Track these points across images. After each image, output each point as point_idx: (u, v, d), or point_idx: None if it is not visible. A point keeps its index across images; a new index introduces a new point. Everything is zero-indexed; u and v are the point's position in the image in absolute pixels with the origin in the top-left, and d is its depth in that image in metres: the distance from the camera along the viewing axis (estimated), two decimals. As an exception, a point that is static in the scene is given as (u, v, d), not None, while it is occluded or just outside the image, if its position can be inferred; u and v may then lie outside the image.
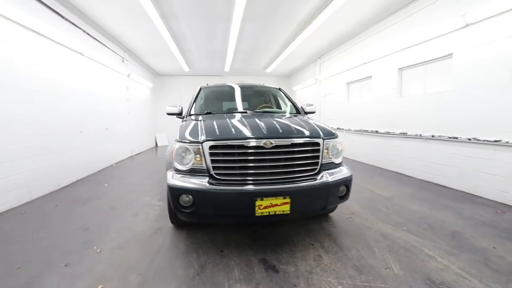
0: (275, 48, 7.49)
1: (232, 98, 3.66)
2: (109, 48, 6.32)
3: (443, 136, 4.16)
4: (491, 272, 1.90)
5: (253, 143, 2.09)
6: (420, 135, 4.63)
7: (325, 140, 2.30)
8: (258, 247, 2.30)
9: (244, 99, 3.72)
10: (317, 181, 2.14)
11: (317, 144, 2.25)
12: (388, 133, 5.49)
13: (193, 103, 3.40)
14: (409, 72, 5.03)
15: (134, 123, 8.21)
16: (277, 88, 4.04)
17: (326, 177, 2.21)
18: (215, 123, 2.44)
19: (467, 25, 3.70)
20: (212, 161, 2.09)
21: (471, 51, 3.70)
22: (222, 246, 2.32)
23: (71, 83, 4.74)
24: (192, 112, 3.31)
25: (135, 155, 8.24)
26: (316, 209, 2.28)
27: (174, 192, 2.07)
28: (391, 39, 5.26)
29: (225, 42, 6.72)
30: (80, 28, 4.99)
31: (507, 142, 3.26)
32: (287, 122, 2.54)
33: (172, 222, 2.68)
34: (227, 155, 2.10)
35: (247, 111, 3.17)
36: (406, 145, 5.03)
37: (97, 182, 4.68)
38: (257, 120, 2.52)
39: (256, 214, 2.01)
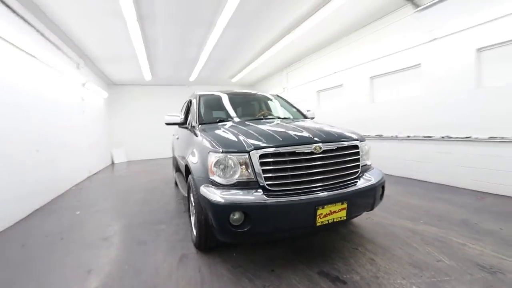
0: (248, 56, 7.50)
1: (238, 105, 3.47)
2: (64, 53, 5.43)
3: (418, 136, 4.70)
4: (518, 250, 2.15)
5: (304, 149, 1.99)
6: (396, 136, 5.13)
7: (361, 143, 2.33)
8: (306, 260, 2.16)
9: (250, 106, 3.58)
10: (367, 183, 2.13)
11: (357, 147, 2.27)
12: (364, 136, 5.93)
13: (197, 111, 3.10)
14: (381, 80, 5.58)
15: (91, 137, 7.16)
16: (274, 95, 4.00)
17: (370, 178, 2.23)
18: (251, 131, 2.25)
19: (434, 39, 4.31)
20: (264, 171, 1.91)
21: (438, 62, 4.30)
22: (269, 265, 2.11)
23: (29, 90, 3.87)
24: (198, 120, 3.00)
25: (93, 174, 7.14)
26: (364, 211, 2.26)
27: (224, 210, 1.81)
28: (363, 50, 5.78)
29: (200, 49, 6.45)
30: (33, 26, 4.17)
31: (476, 138, 3.83)
32: (318, 126, 2.50)
33: (199, 246, 2.33)
34: (278, 164, 1.94)
35: (263, 117, 3.04)
36: (382, 146, 5.51)
37: (64, 210, 3.85)
38: (291, 125, 2.42)
39: (317, 224, 1.89)
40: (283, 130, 2.27)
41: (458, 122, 4.07)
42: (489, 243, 2.30)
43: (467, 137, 3.95)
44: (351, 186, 2.10)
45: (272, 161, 1.93)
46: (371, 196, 2.15)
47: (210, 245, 2.31)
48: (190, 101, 3.72)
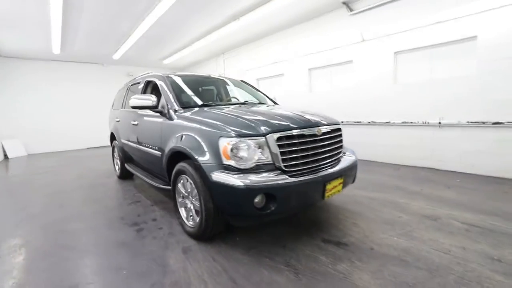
0: (187, 39, 7.00)
1: (213, 89, 3.30)
2: None
3: (349, 121, 5.62)
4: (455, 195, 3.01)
5: (309, 131, 2.16)
6: (332, 122, 5.97)
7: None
8: (306, 232, 2.39)
9: (225, 91, 3.47)
10: (352, 160, 2.50)
11: (340, 129, 2.61)
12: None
13: (174, 95, 2.80)
14: (318, 71, 6.28)
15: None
16: (239, 80, 4.00)
17: (350, 155, 2.63)
18: (253, 114, 2.26)
19: (364, 41, 5.17)
20: (281, 153, 1.98)
21: (367, 60, 5.21)
22: (278, 242, 2.23)
23: None
24: (178, 104, 2.71)
25: (-20, 176, 5.33)
26: (350, 183, 2.62)
27: (249, 194, 1.81)
28: (303, 43, 6.33)
29: (136, 23, 5.60)
30: None
31: (394, 122, 4.93)
32: (310, 111, 2.70)
33: (202, 236, 2.21)
34: (291, 146, 2.05)
35: (245, 102, 3.03)
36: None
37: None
38: (283, 110, 2.54)
39: (325, 198, 2.13)
40: (285, 114, 2.37)
41: (381, 110, 5.10)
42: (420, 200, 3.10)
43: (387, 122, 5.02)
44: (339, 163, 2.42)
45: (287, 144, 2.03)
46: (355, 170, 2.55)
47: (215, 233, 2.24)
48: (154, 85, 3.31)
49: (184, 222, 2.43)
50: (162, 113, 2.76)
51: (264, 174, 1.90)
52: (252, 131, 1.97)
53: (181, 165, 2.30)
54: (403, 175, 4.22)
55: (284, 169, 1.99)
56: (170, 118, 2.61)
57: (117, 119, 4.28)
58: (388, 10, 4.76)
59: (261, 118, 2.18)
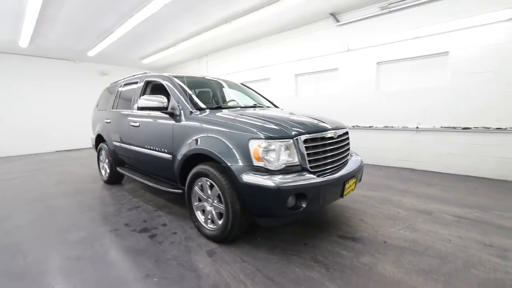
0: (173, 39, 6.83)
1: (220, 92, 3.29)
2: None
3: (335, 125, 5.94)
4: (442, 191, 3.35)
5: (328, 134, 2.31)
6: (318, 125, 6.26)
7: (346, 129, 2.89)
8: (321, 231, 2.51)
9: (231, 93, 3.48)
10: (360, 161, 2.69)
11: (348, 132, 2.79)
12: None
13: (187, 97, 2.76)
14: (305, 78, 6.55)
15: None
16: (240, 84, 4.04)
17: (357, 156, 2.83)
18: (278, 118, 2.34)
19: (349, 50, 5.54)
20: (308, 154, 2.08)
21: (352, 68, 5.58)
22: (299, 240, 2.32)
23: None
24: (192, 105, 2.67)
25: None
26: (358, 182, 2.79)
27: (283, 195, 1.88)
28: (290, 50, 6.55)
29: (122, 19, 5.33)
30: None
31: (376, 127, 5.34)
32: (318, 115, 2.84)
33: (225, 238, 2.20)
34: (315, 148, 2.17)
35: (255, 106, 3.09)
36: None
37: None
38: (303, 115, 2.65)
39: (343, 196, 2.28)
40: (305, 117, 2.50)
41: (364, 115, 5.49)
42: (410, 197, 3.43)
43: (370, 126, 5.42)
44: (349, 164, 2.59)
45: (312, 146, 2.14)
46: (362, 170, 2.75)
47: (239, 235, 2.25)
48: (155, 85, 3.22)
49: (202, 225, 2.41)
50: (172, 115, 2.70)
51: (293, 175, 1.98)
52: (281, 133, 2.04)
53: (202, 167, 2.28)
54: (387, 175, 4.59)
55: (310, 170, 2.09)
56: (184, 120, 2.57)
57: (107, 120, 4.03)
58: (372, 24, 5.17)
59: (285, 121, 2.27)
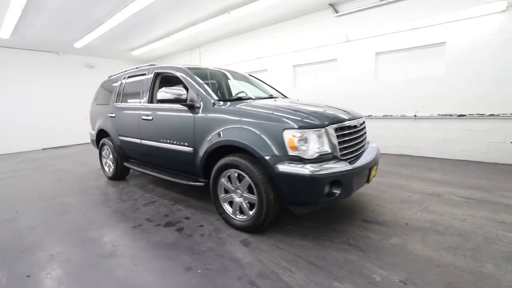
0: (165, 30, 6.59)
1: (226, 83, 3.27)
2: None
3: (334, 115, 6.06)
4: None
5: (353, 123, 2.37)
6: (317, 116, 6.36)
7: (362, 118, 2.97)
8: (344, 216, 2.60)
9: (243, 84, 3.44)
10: (377, 148, 2.79)
11: (365, 121, 2.87)
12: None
13: (201, 87, 2.71)
14: (303, 68, 6.59)
15: None
16: (249, 75, 4.00)
17: (373, 144, 2.92)
18: (306, 106, 2.38)
19: (348, 41, 5.61)
20: (339, 143, 2.13)
21: (351, 59, 5.67)
22: (327, 227, 2.39)
23: None
24: (212, 97, 2.63)
25: None
26: None
27: (321, 182, 1.93)
28: (288, 40, 6.53)
29: (114, 10, 5.06)
30: None
31: (375, 116, 5.51)
32: (335, 105, 2.89)
33: (258, 228, 2.23)
34: (343, 136, 2.22)
35: (272, 96, 3.09)
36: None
37: None
38: (316, 105, 2.69)
39: (369, 182, 2.37)
40: (327, 108, 2.54)
41: (363, 105, 5.63)
42: (417, 181, 3.60)
43: (369, 115, 5.58)
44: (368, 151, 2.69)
45: (341, 134, 2.19)
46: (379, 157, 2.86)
47: (270, 224, 2.29)
48: (166, 77, 3.14)
49: (231, 216, 2.42)
50: (192, 107, 2.65)
51: (328, 163, 2.03)
52: (313, 123, 2.07)
53: (231, 159, 2.28)
54: (388, 162, 4.78)
55: (340, 157, 2.15)
56: (206, 112, 2.54)
57: (111, 114, 3.88)
58: (371, 15, 5.25)
59: (313, 111, 2.30)
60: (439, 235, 2.19)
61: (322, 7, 5.70)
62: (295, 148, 1.99)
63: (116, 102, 3.89)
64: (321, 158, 2.05)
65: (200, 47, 8.62)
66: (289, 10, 5.83)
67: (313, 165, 1.97)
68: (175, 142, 2.84)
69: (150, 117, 3.13)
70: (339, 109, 2.57)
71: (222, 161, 2.36)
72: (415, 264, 1.82)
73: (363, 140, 2.55)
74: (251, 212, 2.26)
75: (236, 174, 2.30)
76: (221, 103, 2.54)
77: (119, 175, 4.07)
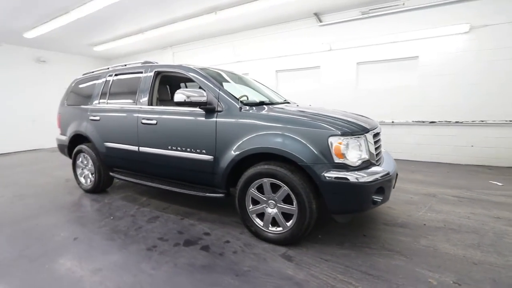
0: (137, 27, 6.04)
1: (249, 85, 3.10)
2: None
3: (317, 121, 6.26)
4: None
5: (378, 130, 2.44)
6: (301, 121, 6.49)
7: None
8: (367, 222, 2.65)
9: (253, 88, 3.28)
10: (391, 156, 2.92)
11: (376, 128, 2.99)
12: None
13: (221, 90, 2.50)
14: (285, 74, 6.67)
15: None
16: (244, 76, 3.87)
17: (386, 151, 3.05)
18: (332, 113, 2.36)
19: (331, 50, 5.87)
20: (375, 149, 2.16)
21: (333, 67, 5.94)
22: (359, 232, 2.40)
23: None
24: (236, 101, 2.43)
25: None
26: None
27: (370, 189, 1.94)
28: (271, 45, 6.56)
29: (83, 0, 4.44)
30: None
31: (356, 121, 5.84)
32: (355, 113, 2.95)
33: (297, 239, 2.13)
34: (376, 143, 2.27)
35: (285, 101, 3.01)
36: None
37: None
38: (333, 110, 2.72)
39: (394, 187, 2.45)
40: (351, 114, 2.57)
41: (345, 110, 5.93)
42: (407, 183, 3.89)
43: (350, 121, 5.89)
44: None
45: (374, 141, 2.23)
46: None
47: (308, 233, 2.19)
48: (164, 77, 2.89)
49: (262, 229, 2.26)
50: (212, 111, 2.43)
51: (368, 170, 2.03)
52: (355, 129, 2.06)
53: (266, 168, 2.13)
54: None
55: (375, 164, 2.18)
56: (231, 117, 2.34)
57: (94, 117, 3.34)
58: (352, 27, 5.59)
59: (346, 117, 2.30)
60: (457, 233, 2.37)
61: (307, 15, 5.86)
62: (341, 155, 1.95)
63: (100, 103, 3.38)
64: (363, 165, 2.05)
65: (173, 46, 8.12)
66: (273, 16, 5.87)
67: (358, 172, 1.95)
68: (188, 149, 2.56)
69: (154, 121, 2.77)
70: (359, 116, 2.63)
71: (253, 170, 2.20)
72: (455, 264, 1.92)
73: (380, 146, 2.64)
74: (288, 224, 2.14)
75: (269, 184, 2.16)
76: (247, 107, 2.38)
77: (101, 187, 3.53)
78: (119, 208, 3.10)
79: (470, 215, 2.76)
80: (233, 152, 2.28)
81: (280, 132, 2.11)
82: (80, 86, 3.83)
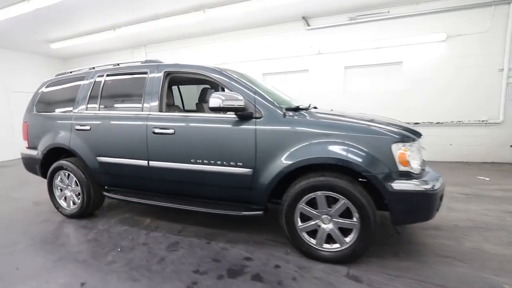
0: (106, 23, 5.34)
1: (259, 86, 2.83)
2: None
3: (307, 124, 6.25)
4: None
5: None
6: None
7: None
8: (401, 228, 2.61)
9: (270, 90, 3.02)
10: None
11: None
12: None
13: (257, 94, 2.22)
14: (272, 77, 6.53)
15: None
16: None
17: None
18: (378, 118, 2.27)
19: (320, 53, 5.92)
20: (419, 156, 2.11)
21: (322, 70, 5.99)
22: (401, 243, 2.33)
23: None
24: (277, 106, 2.17)
25: None
26: None
27: (438, 198, 1.89)
28: (259, 48, 6.38)
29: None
30: None
31: (346, 124, 5.96)
32: None
33: (358, 256, 1.95)
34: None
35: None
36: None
37: None
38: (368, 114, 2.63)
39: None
40: (389, 119, 2.51)
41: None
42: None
43: (340, 124, 6.00)
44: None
45: (416, 148, 2.18)
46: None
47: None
48: (175, 78, 2.61)
49: (315, 248, 2.04)
50: (249, 118, 2.13)
51: (427, 176, 1.97)
52: (411, 135, 1.97)
53: (322, 180, 1.92)
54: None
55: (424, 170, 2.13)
56: (273, 124, 2.08)
57: (82, 127, 2.74)
58: (340, 32, 5.71)
59: (395, 123, 2.22)
60: (489, 232, 2.45)
61: (295, 18, 5.82)
62: (406, 163, 1.84)
63: (88, 108, 2.79)
64: (422, 172, 1.98)
65: (147, 46, 7.41)
66: (260, 17, 5.70)
67: (421, 180, 1.87)
68: (219, 162, 2.21)
69: (170, 130, 2.34)
70: (393, 120, 2.59)
71: (306, 182, 1.96)
72: (508, 265, 1.95)
73: None
74: (348, 239, 1.95)
75: (324, 197, 1.96)
76: (291, 113, 2.14)
77: (90, 209, 2.92)
78: (122, 236, 2.57)
79: (485, 211, 2.91)
80: (281, 163, 2.01)
81: (340, 140, 1.92)
82: (55, 89, 3.15)
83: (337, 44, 5.76)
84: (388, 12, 5.28)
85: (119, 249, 2.32)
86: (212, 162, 2.23)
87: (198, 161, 2.28)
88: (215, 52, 6.80)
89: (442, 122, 5.31)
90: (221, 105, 2.01)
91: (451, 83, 5.17)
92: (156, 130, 2.40)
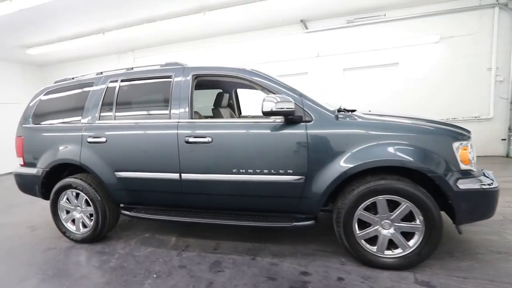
0: (92, 27, 4.96)
1: None
2: None
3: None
4: None
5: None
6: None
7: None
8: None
9: None
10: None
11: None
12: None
13: (302, 96, 2.11)
14: (271, 81, 6.43)
15: None
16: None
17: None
18: (425, 117, 2.23)
19: (319, 56, 5.94)
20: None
21: (321, 72, 6.02)
22: (446, 239, 2.30)
23: None
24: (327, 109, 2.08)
25: None
26: None
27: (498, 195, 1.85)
28: (255, 51, 6.28)
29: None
30: None
31: (347, 125, 6.03)
32: None
33: (415, 264, 1.88)
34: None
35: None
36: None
37: None
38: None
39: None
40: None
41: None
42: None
43: (341, 125, 6.05)
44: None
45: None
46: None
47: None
48: (203, 81, 2.54)
49: (376, 255, 1.94)
50: (298, 122, 2.00)
51: (482, 174, 1.97)
52: (466, 134, 1.96)
53: (383, 183, 1.83)
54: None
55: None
56: (325, 127, 1.97)
57: (98, 139, 2.42)
58: (338, 35, 5.79)
59: (439, 121, 2.20)
60: (525, 224, 2.53)
61: (293, 21, 5.81)
62: (468, 161, 1.82)
63: (101, 118, 2.48)
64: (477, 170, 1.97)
65: (135, 50, 7.00)
66: (259, 21, 5.64)
67: (482, 177, 1.86)
68: (265, 171, 2.05)
69: (207, 139, 2.14)
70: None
71: (365, 187, 1.86)
72: None
73: None
74: (410, 243, 1.88)
75: (384, 201, 1.87)
76: (341, 115, 2.04)
77: (105, 231, 2.59)
78: (150, 259, 2.29)
79: (507, 203, 3.01)
80: (340, 167, 1.89)
81: (399, 141, 1.85)
82: (55, 97, 2.78)
83: (335, 46, 5.83)
84: (385, 15, 5.44)
85: (155, 276, 2.05)
86: (258, 171, 2.06)
87: (241, 171, 2.09)
88: (213, 56, 6.59)
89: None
90: (274, 109, 1.86)
91: (444, 82, 5.43)
92: (190, 139, 2.17)
